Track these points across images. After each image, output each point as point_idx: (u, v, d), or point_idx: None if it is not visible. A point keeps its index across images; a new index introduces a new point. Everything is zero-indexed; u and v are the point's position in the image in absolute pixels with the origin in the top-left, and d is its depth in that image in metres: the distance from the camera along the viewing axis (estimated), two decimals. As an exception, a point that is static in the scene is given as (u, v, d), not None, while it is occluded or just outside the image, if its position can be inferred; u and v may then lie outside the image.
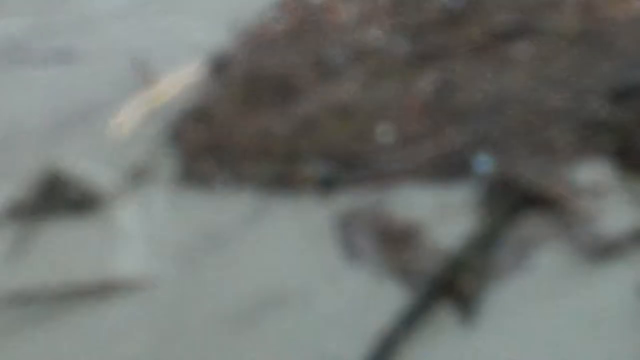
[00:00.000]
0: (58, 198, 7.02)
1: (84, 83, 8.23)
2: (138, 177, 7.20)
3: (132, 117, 7.63)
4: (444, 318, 5.86)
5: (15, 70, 8.65)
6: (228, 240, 6.56)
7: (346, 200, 6.72)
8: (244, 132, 7.41)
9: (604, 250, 6.12)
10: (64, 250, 6.69)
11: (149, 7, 9.23)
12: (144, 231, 6.74)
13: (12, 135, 7.69)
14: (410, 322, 5.81)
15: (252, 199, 6.87)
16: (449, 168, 6.81)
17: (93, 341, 6.03)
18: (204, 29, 8.70)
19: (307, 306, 6.06)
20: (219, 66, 8.21)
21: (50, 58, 8.64)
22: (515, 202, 6.45)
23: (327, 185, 6.86)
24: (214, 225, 6.69)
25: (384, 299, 6.02)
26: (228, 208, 6.84)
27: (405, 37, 8.17)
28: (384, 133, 7.17)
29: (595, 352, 5.54)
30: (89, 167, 7.23)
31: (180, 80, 8.08)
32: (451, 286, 5.97)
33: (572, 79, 7.34)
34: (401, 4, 8.54)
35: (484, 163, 6.78)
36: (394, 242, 6.41)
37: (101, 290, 6.29)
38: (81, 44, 8.75)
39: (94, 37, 8.90)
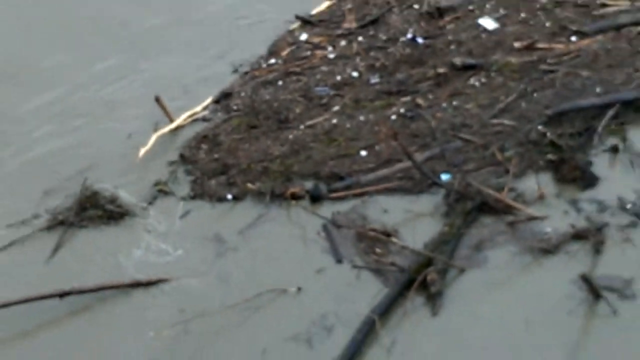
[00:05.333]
0: (96, 209, 7.08)
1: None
2: (160, 193, 7.28)
3: (155, 145, 7.65)
4: (416, 305, 6.03)
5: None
6: (235, 243, 6.68)
7: (331, 209, 6.85)
8: (246, 155, 7.49)
9: (546, 249, 6.33)
10: (98, 252, 6.75)
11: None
12: (164, 237, 6.81)
13: (59, 162, 7.66)
14: (387, 308, 6.00)
15: (254, 209, 6.97)
16: (415, 182, 6.95)
17: (130, 327, 6.20)
18: (212, 70, 8.59)
19: (301, 294, 6.23)
20: (225, 101, 8.13)
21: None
22: (471, 209, 6.65)
23: (315, 197, 6.99)
24: (222, 231, 6.80)
25: (362, 289, 6.22)
26: (234, 217, 6.95)
27: (376, 74, 8.21)
28: (361, 154, 7.27)
29: (539, 331, 5.78)
30: (120, 186, 7.27)
31: (194, 113, 8.07)
32: (421, 278, 6.13)
33: (515, 105, 7.52)
34: (372, 48, 8.53)
35: (445, 178, 6.94)
36: (371, 243, 6.55)
37: (133, 286, 6.44)
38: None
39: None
